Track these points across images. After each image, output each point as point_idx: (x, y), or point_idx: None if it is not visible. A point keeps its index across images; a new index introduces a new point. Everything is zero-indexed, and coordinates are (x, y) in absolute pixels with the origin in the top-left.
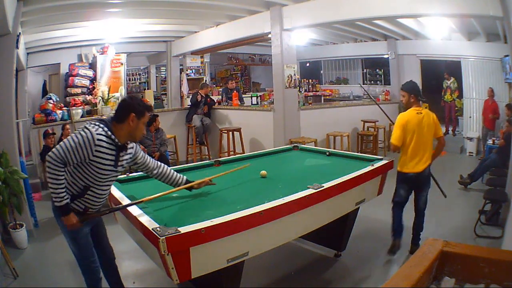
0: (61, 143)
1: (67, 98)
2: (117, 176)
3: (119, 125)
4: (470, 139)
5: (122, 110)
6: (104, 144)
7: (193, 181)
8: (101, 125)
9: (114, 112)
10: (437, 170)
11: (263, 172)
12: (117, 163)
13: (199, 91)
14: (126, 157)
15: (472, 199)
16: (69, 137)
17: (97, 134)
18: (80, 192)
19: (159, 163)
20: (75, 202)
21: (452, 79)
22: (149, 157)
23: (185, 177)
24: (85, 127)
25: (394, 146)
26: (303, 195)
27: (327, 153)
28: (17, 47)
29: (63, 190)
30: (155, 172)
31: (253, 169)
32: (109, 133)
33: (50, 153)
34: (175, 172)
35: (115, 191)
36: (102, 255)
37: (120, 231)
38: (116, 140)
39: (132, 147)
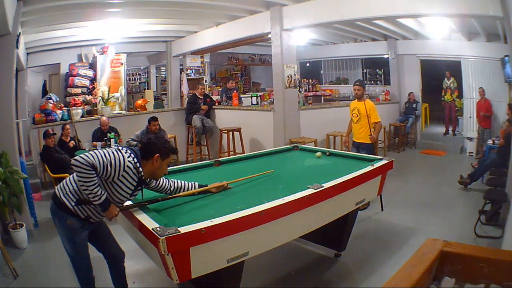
0: (92, 153)
1: (67, 98)
2: (128, 201)
3: (144, 161)
4: (470, 139)
5: (147, 149)
6: (130, 172)
7: (207, 185)
8: (132, 155)
9: (140, 149)
10: (437, 170)
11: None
12: (133, 193)
13: (196, 92)
14: (140, 190)
15: (472, 199)
16: (99, 151)
17: (128, 161)
18: (89, 200)
19: (170, 180)
20: (80, 208)
21: (452, 79)
22: (161, 179)
23: (196, 183)
24: (119, 149)
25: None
26: (303, 195)
27: (327, 153)
28: (17, 47)
29: (99, 187)
30: (172, 189)
31: (253, 169)
32: (138, 164)
33: (78, 157)
34: (187, 182)
35: None
36: (108, 255)
37: (120, 231)
38: (142, 174)
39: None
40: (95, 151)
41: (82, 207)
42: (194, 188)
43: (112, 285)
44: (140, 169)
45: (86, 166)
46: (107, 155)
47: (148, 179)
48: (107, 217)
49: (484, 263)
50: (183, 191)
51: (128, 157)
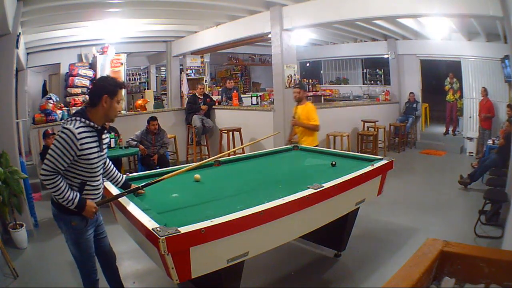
0: (48, 154)
1: (67, 98)
2: (104, 159)
3: (94, 109)
4: (470, 139)
5: (94, 94)
6: (85, 134)
7: (134, 186)
8: (77, 118)
9: (87, 97)
10: (437, 170)
11: (197, 176)
12: (101, 147)
13: (195, 92)
14: (106, 138)
15: (472, 199)
16: (53, 144)
17: (77, 128)
18: (78, 190)
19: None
20: None
21: (455, 80)
22: (109, 164)
23: (124, 176)
24: (63, 127)
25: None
26: (303, 195)
27: (333, 163)
28: (17, 47)
29: (69, 192)
30: (111, 178)
31: (253, 169)
32: (87, 122)
33: (41, 170)
34: (117, 171)
35: (111, 188)
36: (103, 257)
37: (120, 231)
38: (96, 125)
39: (108, 125)
40: (50, 149)
41: None
42: (121, 180)
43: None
44: (92, 123)
45: (50, 174)
46: (57, 144)
47: (105, 126)
48: (88, 216)
49: (484, 263)
50: (109, 176)
51: (74, 125)
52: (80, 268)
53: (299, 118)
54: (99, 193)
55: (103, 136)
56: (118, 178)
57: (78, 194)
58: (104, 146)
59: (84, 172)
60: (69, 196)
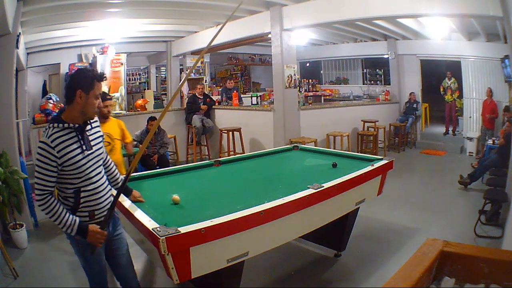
0: (35, 176)
1: None
2: (99, 157)
3: (70, 107)
4: (470, 139)
5: (68, 89)
6: (61, 139)
7: (132, 191)
8: (50, 125)
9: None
10: (437, 170)
11: (175, 197)
12: (87, 144)
13: (195, 92)
14: (94, 133)
15: (472, 199)
16: (36, 161)
17: (49, 136)
18: (74, 200)
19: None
20: (77, 214)
21: (453, 79)
22: (111, 164)
23: (122, 176)
24: (39, 141)
25: None
26: (303, 195)
27: (334, 163)
28: (17, 47)
29: (66, 216)
30: (111, 179)
31: (253, 169)
32: (60, 125)
33: (36, 196)
34: (116, 171)
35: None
36: (118, 276)
37: None
38: (71, 125)
39: (97, 121)
40: (35, 169)
41: (78, 211)
42: (120, 180)
43: None
44: (66, 124)
45: (41, 196)
46: (38, 162)
47: (94, 121)
48: (94, 243)
49: (484, 263)
50: (110, 174)
51: (47, 134)
52: (88, 279)
53: (112, 140)
54: (102, 196)
55: (89, 133)
56: (118, 179)
57: (77, 219)
58: (93, 143)
59: (74, 179)
60: (66, 220)
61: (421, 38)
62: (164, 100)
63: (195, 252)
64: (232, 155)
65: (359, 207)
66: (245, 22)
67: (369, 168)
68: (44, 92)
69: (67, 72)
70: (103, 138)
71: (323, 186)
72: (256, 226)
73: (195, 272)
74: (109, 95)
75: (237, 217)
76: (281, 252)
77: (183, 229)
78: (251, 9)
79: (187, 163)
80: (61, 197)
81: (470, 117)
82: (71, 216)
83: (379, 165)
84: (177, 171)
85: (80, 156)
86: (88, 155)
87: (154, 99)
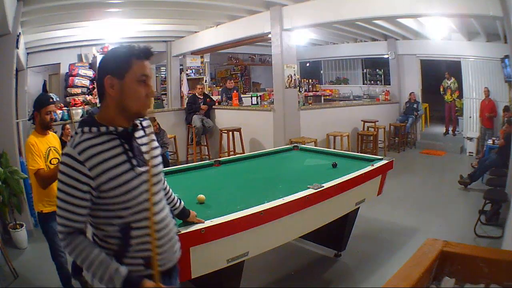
0: (57, 203)
1: (67, 98)
2: (158, 177)
3: (103, 104)
4: (470, 139)
5: (97, 84)
6: (95, 149)
7: (190, 213)
8: (78, 130)
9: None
10: (437, 170)
11: (201, 196)
12: (138, 157)
13: (195, 92)
14: (145, 139)
15: (472, 199)
16: (58, 184)
17: (76, 146)
18: (121, 240)
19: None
20: (125, 261)
21: (452, 79)
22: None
23: (182, 202)
24: (62, 153)
25: None
26: (303, 195)
27: (334, 163)
28: (17, 47)
29: (107, 261)
30: (172, 205)
31: (253, 169)
32: (94, 129)
33: (58, 228)
34: (173, 194)
35: None
36: None
37: None
38: (111, 128)
39: (150, 125)
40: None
41: (127, 256)
42: (179, 206)
43: None
44: (103, 128)
45: (65, 234)
46: (59, 186)
47: (145, 124)
48: None
49: (484, 263)
50: (168, 198)
51: (73, 143)
52: None
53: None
54: (160, 231)
55: (140, 141)
56: (176, 204)
57: (125, 270)
58: (149, 156)
59: (119, 210)
60: (106, 269)
61: (421, 38)
62: (164, 100)
63: (195, 252)
64: (232, 155)
65: (359, 207)
66: (245, 22)
67: (369, 168)
68: (44, 92)
69: (67, 72)
70: (161, 151)
71: (323, 186)
72: (256, 226)
73: (195, 272)
74: (52, 98)
75: (237, 217)
76: (281, 252)
77: (183, 229)
78: (251, 9)
79: (187, 163)
80: (99, 237)
81: (470, 117)
82: (114, 263)
83: (379, 165)
84: (177, 171)
85: (129, 176)
86: (142, 173)
87: (154, 99)
